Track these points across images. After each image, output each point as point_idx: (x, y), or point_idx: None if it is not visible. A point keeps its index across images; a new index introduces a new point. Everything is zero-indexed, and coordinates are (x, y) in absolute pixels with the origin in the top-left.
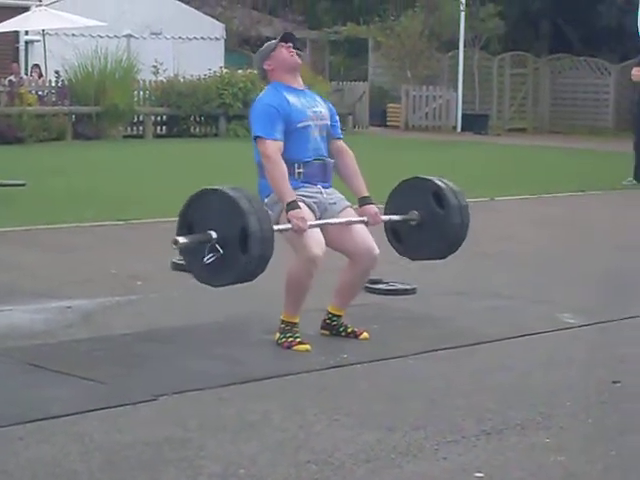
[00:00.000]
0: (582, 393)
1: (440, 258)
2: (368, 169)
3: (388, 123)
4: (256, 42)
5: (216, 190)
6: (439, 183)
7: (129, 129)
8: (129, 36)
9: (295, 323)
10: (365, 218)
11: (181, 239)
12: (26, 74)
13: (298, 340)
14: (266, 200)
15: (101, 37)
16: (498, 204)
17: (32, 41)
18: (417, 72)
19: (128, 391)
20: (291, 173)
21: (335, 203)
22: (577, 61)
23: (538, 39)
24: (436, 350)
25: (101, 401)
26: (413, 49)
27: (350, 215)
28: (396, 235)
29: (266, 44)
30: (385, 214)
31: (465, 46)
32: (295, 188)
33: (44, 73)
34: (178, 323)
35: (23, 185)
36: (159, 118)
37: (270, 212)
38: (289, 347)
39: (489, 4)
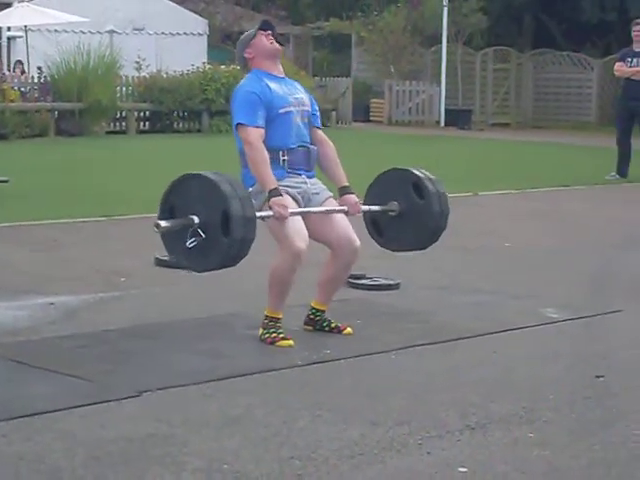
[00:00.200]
0: (566, 388)
1: (420, 248)
2: (352, 164)
3: (371, 118)
4: (239, 38)
5: (198, 175)
6: (417, 173)
7: (112, 125)
8: (112, 32)
9: (278, 318)
10: (345, 207)
11: (163, 223)
12: (8, 70)
13: (281, 336)
14: (250, 189)
15: (84, 33)
16: (481, 199)
17: (14, 37)
18: (400, 67)
19: (112, 387)
20: (276, 161)
21: (318, 193)
22: (560, 56)
23: (521, 34)
24: (419, 345)
25: (85, 397)
26: (396, 44)
27: (332, 205)
28: (376, 227)
29: (245, 33)
30: (365, 205)
31: (448, 41)
32: (280, 178)
33: (26, 69)
34: (162, 319)
35: (6, 182)
36: (142, 114)
37: (254, 201)
38: (272, 342)
39: None
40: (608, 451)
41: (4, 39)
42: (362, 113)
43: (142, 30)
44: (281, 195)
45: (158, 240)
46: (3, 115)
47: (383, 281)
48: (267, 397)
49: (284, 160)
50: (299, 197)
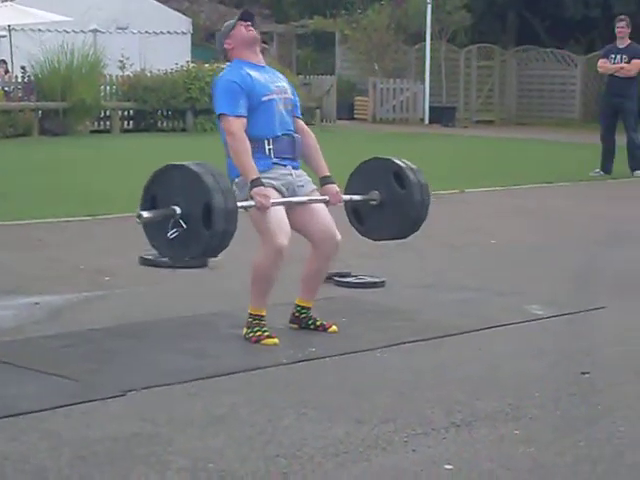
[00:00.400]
0: (551, 384)
1: (401, 238)
2: (336, 162)
3: (356, 116)
4: None
5: (180, 165)
6: (399, 162)
7: (96, 124)
8: (95, 31)
9: (262, 316)
10: (326, 197)
11: (145, 214)
12: None
13: (266, 334)
14: (236, 180)
15: (67, 32)
16: (467, 196)
17: None
18: (384, 65)
19: (97, 387)
20: (261, 150)
21: (303, 186)
22: (544, 53)
23: (504, 31)
24: (405, 343)
25: (70, 397)
26: (380, 42)
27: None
28: (357, 216)
29: (225, 24)
30: (346, 194)
31: (432, 39)
32: (266, 169)
33: (10, 69)
34: (146, 318)
35: None
36: (126, 113)
37: (238, 192)
38: (257, 341)
39: None
40: (593, 448)
41: None
42: (346, 111)
43: (126, 29)
44: (263, 185)
45: (143, 239)
46: None
47: (368, 279)
48: (252, 396)
49: (269, 149)
50: (283, 189)
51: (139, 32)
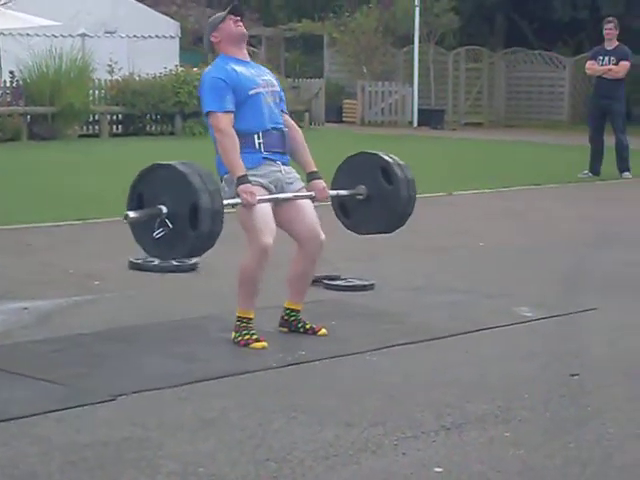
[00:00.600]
0: (540, 386)
1: (387, 232)
2: (324, 165)
3: (344, 119)
4: None
5: (167, 165)
6: (386, 157)
7: (85, 128)
8: (84, 35)
9: (250, 319)
10: (313, 193)
11: (131, 214)
12: None
13: (255, 337)
14: (225, 176)
15: (56, 37)
16: (455, 198)
17: None
18: (372, 68)
19: (87, 391)
20: (251, 144)
21: (292, 183)
22: (532, 55)
23: (493, 33)
24: (394, 346)
25: (59, 402)
26: (368, 45)
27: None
28: (344, 210)
29: (214, 16)
30: (332, 190)
31: (420, 41)
32: (255, 165)
33: None
34: (136, 322)
35: None
36: (115, 117)
37: (227, 189)
38: (246, 345)
39: None
40: (583, 449)
41: None
42: (335, 114)
43: (114, 33)
44: (249, 182)
45: (132, 243)
46: None
47: (358, 282)
48: (242, 400)
49: (260, 143)
50: (272, 186)
51: (127, 36)
